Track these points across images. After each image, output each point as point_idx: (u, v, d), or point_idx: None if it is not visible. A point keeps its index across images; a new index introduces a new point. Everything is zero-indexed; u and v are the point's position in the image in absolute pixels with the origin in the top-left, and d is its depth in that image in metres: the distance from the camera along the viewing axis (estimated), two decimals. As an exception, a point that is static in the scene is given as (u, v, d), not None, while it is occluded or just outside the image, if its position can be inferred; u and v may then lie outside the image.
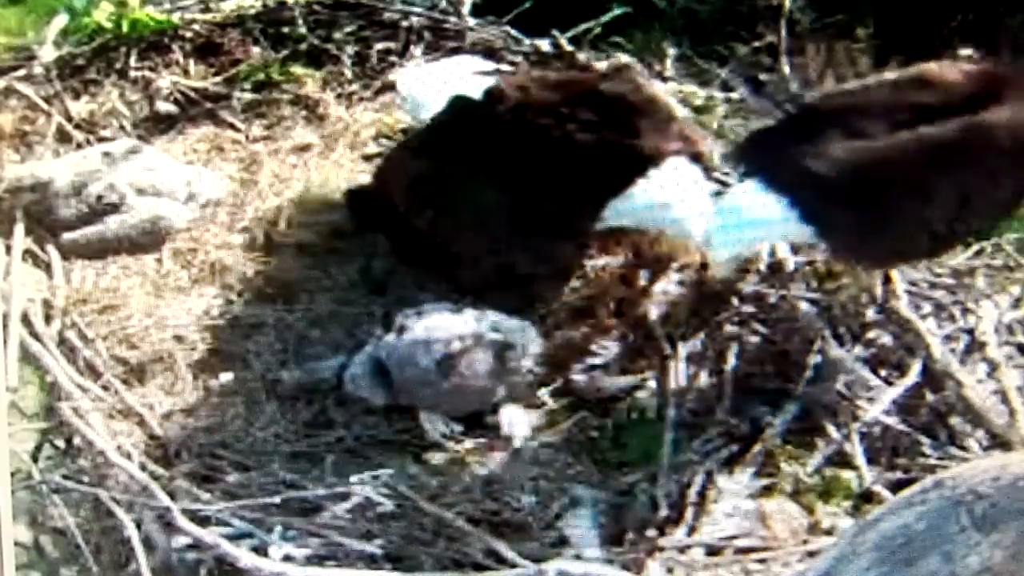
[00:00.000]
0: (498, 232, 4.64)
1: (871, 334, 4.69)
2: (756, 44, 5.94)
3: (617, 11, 6.08)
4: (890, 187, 4.20)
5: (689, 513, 4.13)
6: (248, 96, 5.95)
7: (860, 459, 4.28)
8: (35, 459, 4.38)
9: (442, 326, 4.49)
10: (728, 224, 4.40)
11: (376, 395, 4.51)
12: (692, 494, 4.18)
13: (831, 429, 4.37)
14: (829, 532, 4.06)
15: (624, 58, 5.52)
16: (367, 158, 5.59)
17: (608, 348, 4.71)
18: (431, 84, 5.04)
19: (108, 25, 6.14)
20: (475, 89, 4.80)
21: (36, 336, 4.72)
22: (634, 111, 4.64)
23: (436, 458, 4.40)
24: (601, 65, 5.05)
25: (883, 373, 4.56)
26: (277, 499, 4.12)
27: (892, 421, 4.37)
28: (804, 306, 4.74)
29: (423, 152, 4.80)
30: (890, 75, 4.66)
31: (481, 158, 4.61)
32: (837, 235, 4.34)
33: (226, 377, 4.69)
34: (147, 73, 6.05)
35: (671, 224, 4.65)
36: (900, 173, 4.21)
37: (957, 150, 4.20)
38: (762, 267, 4.90)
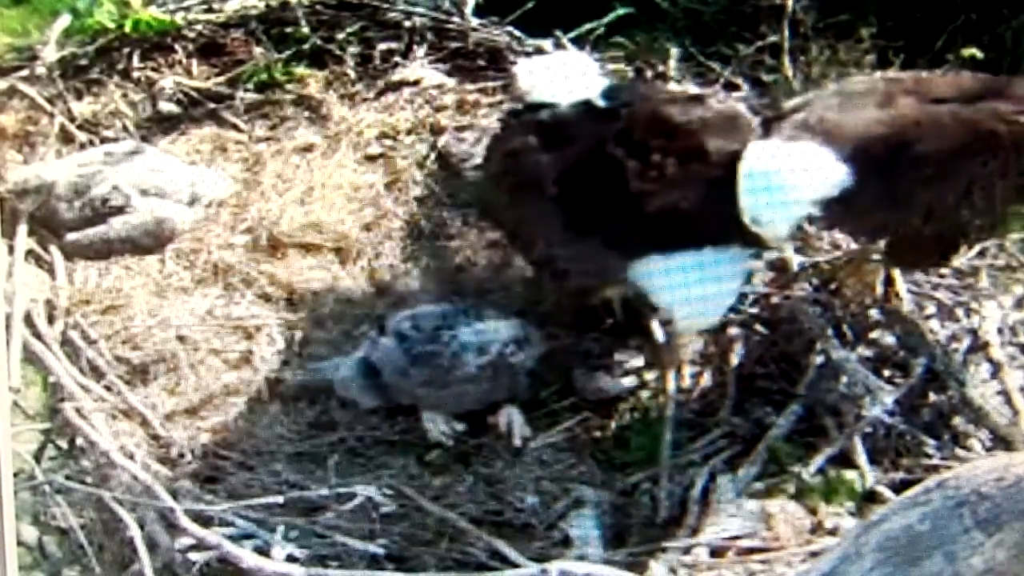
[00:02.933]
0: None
1: (874, 334, 4.69)
2: (759, 44, 5.92)
3: (620, 11, 6.07)
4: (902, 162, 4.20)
5: (692, 514, 4.13)
6: (251, 96, 5.95)
7: (863, 459, 4.28)
8: (38, 459, 4.39)
9: (443, 327, 4.50)
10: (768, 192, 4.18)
11: (366, 397, 4.51)
12: (695, 495, 4.18)
13: (834, 429, 4.37)
14: (832, 532, 4.07)
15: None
16: (370, 158, 5.59)
17: (612, 349, 4.71)
18: (552, 77, 4.86)
19: (111, 25, 6.13)
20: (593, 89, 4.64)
21: (39, 337, 4.73)
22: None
23: (439, 458, 4.40)
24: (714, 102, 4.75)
25: (886, 373, 4.56)
26: (280, 499, 4.13)
27: (895, 421, 4.37)
28: (807, 307, 4.74)
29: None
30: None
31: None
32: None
33: (229, 378, 4.69)
34: (150, 73, 6.04)
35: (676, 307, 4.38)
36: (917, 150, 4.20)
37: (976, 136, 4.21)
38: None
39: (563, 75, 4.67)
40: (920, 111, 4.26)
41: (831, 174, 4.13)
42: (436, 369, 4.45)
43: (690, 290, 4.28)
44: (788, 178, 4.14)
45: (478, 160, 5.41)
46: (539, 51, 5.98)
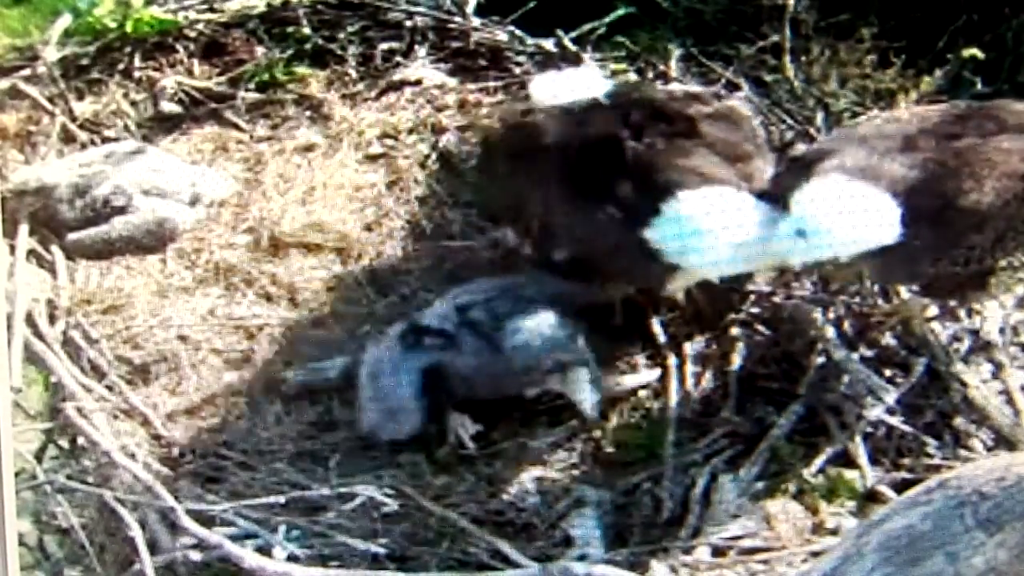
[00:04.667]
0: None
1: (875, 334, 4.69)
2: (760, 44, 5.93)
3: (622, 11, 6.08)
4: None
5: (693, 513, 4.13)
6: (252, 96, 5.95)
7: (864, 459, 4.28)
8: (39, 459, 4.39)
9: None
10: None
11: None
12: (696, 494, 4.18)
13: (835, 429, 4.37)
14: (833, 532, 4.07)
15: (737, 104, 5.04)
16: (371, 158, 5.59)
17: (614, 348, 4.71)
18: (562, 92, 4.87)
19: (112, 25, 6.13)
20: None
21: (40, 336, 4.73)
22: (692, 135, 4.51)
23: (440, 458, 4.40)
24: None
25: (887, 373, 4.56)
26: (281, 499, 4.12)
27: (896, 421, 4.37)
28: (808, 306, 4.74)
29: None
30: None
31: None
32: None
33: (230, 377, 4.69)
34: (151, 73, 6.04)
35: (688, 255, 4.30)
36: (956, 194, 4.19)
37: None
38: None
39: (575, 89, 4.75)
40: (956, 156, 4.23)
41: (890, 218, 4.09)
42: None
43: (704, 236, 4.23)
44: (847, 214, 4.11)
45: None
46: (541, 51, 6.00)
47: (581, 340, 4.44)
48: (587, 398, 4.43)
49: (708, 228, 4.21)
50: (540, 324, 4.41)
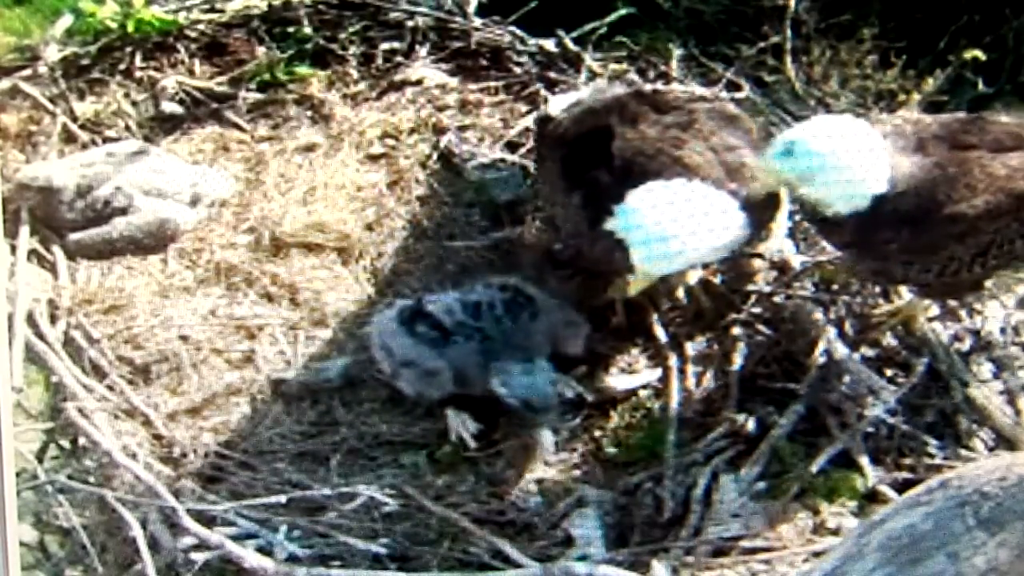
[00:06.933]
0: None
1: (876, 334, 4.69)
2: (761, 45, 5.93)
3: (623, 11, 6.08)
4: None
5: (695, 513, 4.13)
6: (253, 96, 5.95)
7: (865, 459, 4.28)
8: (40, 459, 4.40)
9: None
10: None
11: None
12: (698, 494, 4.18)
13: (836, 429, 4.37)
14: (835, 532, 4.07)
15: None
16: (372, 158, 5.59)
17: (615, 348, 4.71)
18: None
19: (113, 25, 6.13)
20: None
21: (41, 336, 4.73)
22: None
23: (448, 456, 4.40)
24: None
25: (888, 373, 4.56)
26: (282, 499, 4.13)
27: (897, 421, 4.37)
28: (809, 306, 4.74)
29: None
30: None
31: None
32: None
33: (231, 377, 4.69)
34: (152, 73, 6.04)
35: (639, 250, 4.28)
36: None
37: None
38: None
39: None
40: (954, 165, 4.21)
41: (883, 172, 4.13)
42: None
43: (659, 227, 4.22)
44: (848, 155, 4.13)
45: (482, 159, 5.46)
46: (542, 51, 6.00)
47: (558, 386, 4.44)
48: (545, 438, 4.44)
49: (662, 225, 4.22)
50: (526, 366, 4.41)
